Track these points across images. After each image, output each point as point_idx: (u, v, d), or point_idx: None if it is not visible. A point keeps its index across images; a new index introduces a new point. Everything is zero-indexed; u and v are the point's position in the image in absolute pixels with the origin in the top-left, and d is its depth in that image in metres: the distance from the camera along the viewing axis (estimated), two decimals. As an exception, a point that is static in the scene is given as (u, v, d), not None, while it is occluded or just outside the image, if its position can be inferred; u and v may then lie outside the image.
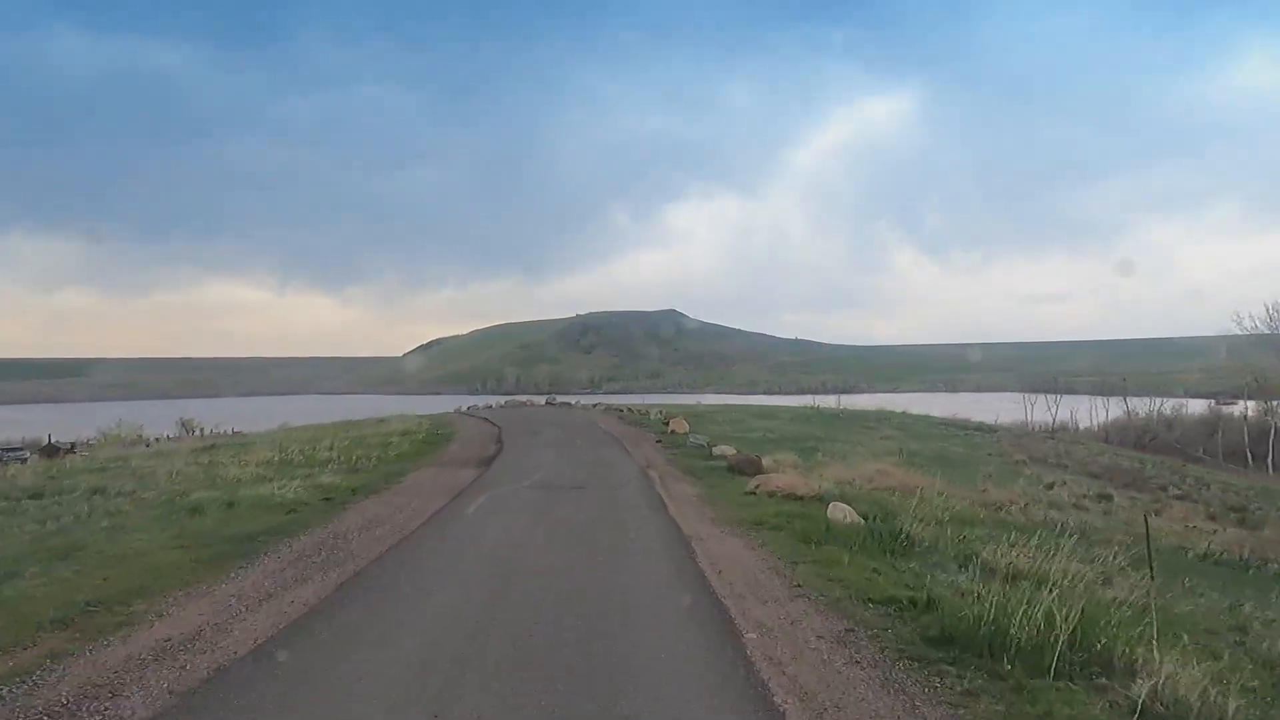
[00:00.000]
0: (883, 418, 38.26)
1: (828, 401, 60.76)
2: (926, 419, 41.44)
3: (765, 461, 20.75)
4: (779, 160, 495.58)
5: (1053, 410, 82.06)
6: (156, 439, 52.72)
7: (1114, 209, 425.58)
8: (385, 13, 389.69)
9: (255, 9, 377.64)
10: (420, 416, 45.61)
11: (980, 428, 41.32)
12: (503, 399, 65.46)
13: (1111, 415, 79.60)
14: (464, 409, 61.34)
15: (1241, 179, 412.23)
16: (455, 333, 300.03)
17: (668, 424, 31.11)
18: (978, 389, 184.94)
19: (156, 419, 60.71)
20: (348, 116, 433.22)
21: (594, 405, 45.68)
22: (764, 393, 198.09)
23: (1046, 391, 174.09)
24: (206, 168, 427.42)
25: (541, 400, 53.59)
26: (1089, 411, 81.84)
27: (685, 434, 28.27)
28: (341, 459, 23.88)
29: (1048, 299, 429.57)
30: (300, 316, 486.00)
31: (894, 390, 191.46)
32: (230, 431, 57.51)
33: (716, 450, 22.90)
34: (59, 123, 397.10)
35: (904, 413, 44.11)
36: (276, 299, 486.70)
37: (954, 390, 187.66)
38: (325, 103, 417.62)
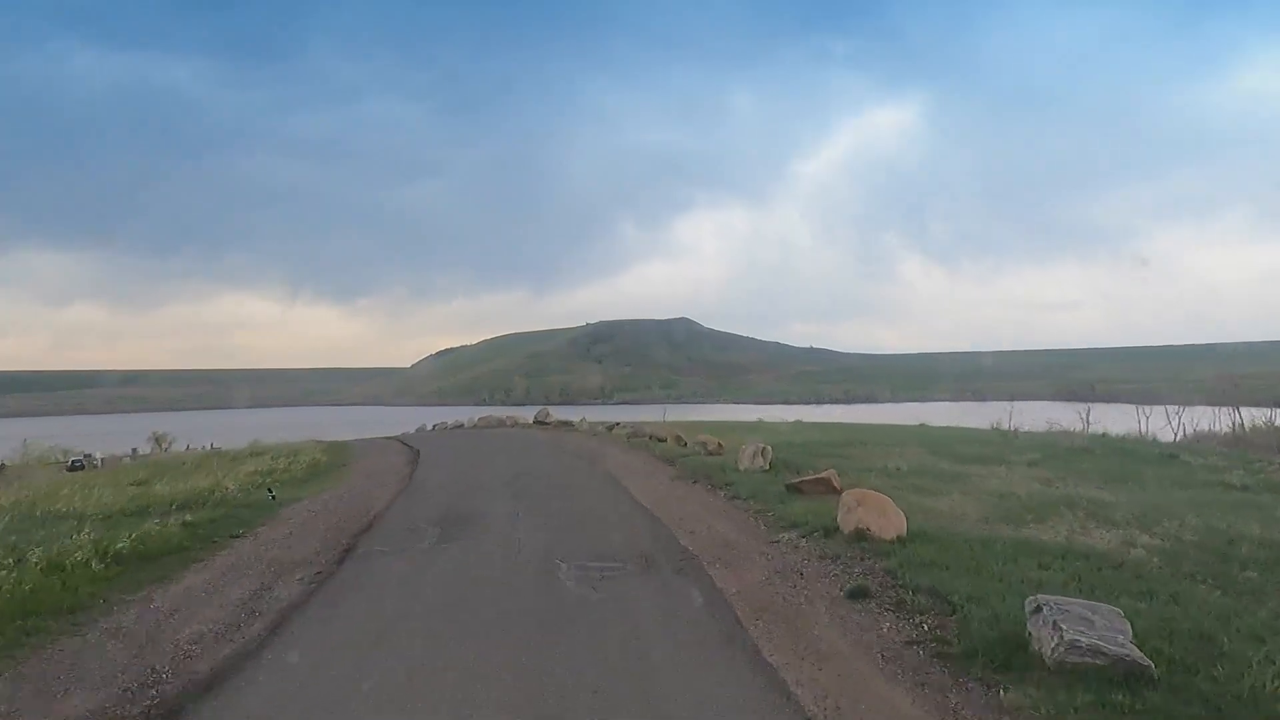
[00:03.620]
0: (1171, 454, 18.54)
1: (918, 414, 41.32)
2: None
3: None
4: (786, 170, 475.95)
5: (1173, 423, 62.91)
6: (102, 458, 44.27)
7: (1123, 216, 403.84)
8: (393, 27, 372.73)
9: (265, 24, 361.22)
10: (327, 447, 26.04)
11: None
12: (478, 413, 45.08)
13: (1205, 425, 61.67)
14: (429, 428, 41.75)
15: (1250, 186, 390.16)
16: (465, 343, 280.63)
17: (798, 488, 11.07)
18: (1010, 397, 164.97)
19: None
20: (356, 130, 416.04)
21: (609, 427, 25.41)
22: (782, 402, 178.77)
23: (1083, 400, 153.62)
24: (217, 182, 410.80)
25: (531, 415, 33.39)
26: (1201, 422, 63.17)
27: (896, 545, 8.08)
28: None
29: (1058, 306, 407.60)
30: (310, 328, 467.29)
31: (921, 399, 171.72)
32: (210, 447, 51.82)
33: None
34: (71, 138, 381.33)
35: (1144, 438, 24.82)
36: (286, 311, 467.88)
37: (983, 399, 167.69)
38: (334, 116, 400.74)
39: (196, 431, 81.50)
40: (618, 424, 25.44)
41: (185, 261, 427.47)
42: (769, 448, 14.57)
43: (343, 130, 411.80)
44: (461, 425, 38.10)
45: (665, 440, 20.19)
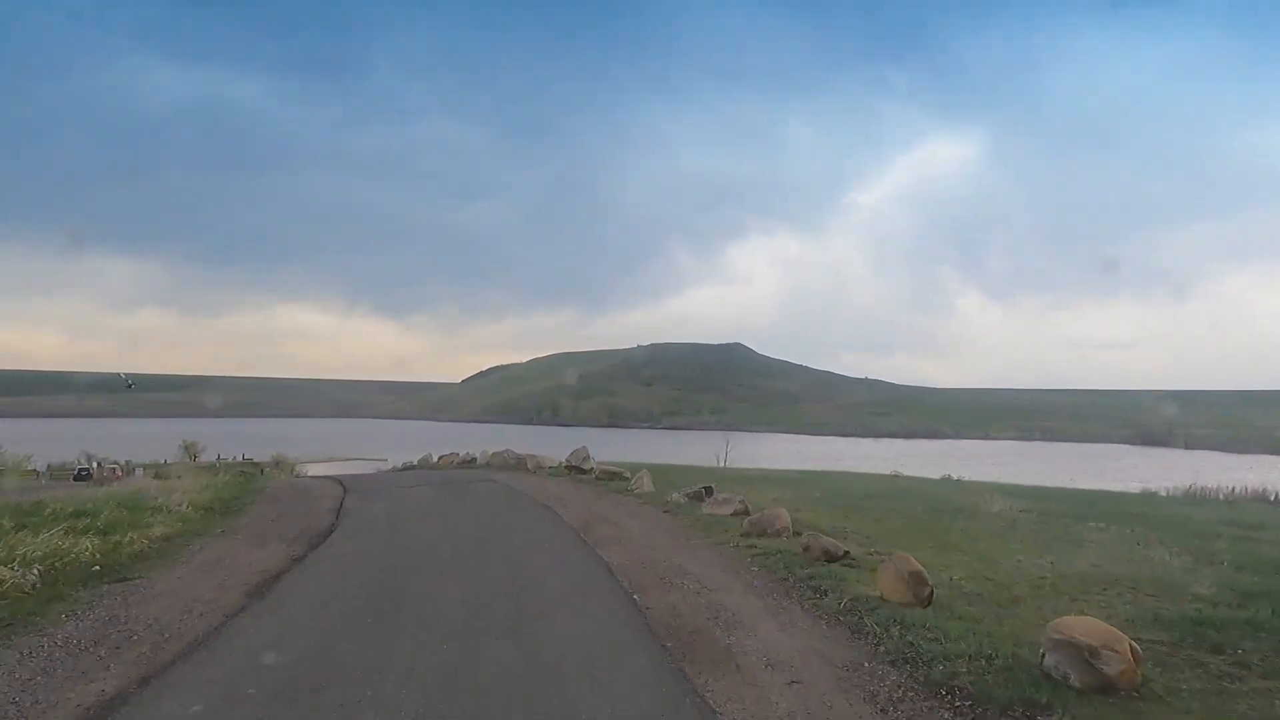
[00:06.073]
0: None
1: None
2: None
3: None
4: (841, 200, 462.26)
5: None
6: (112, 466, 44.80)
7: (1185, 257, 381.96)
8: (456, 50, 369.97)
9: (332, 44, 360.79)
10: (220, 500, 14.41)
11: None
12: (510, 435, 33.21)
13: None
14: (434, 458, 30.67)
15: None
16: (515, 361, 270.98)
17: None
18: (1080, 439, 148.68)
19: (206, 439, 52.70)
20: (417, 149, 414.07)
21: (695, 494, 13.07)
22: (836, 434, 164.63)
23: (1162, 445, 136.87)
24: (279, 196, 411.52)
25: (565, 452, 21.50)
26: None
27: None
28: None
29: (1116, 345, 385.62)
30: (364, 341, 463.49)
31: (986, 437, 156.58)
32: (240, 458, 52.87)
33: None
34: (143, 149, 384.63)
35: None
36: (342, 324, 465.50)
37: (1051, 439, 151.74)
38: (395, 135, 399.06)
39: (240, 439, 71.89)
40: (709, 493, 13.27)
41: (245, 272, 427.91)
42: None
43: (403, 149, 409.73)
44: (473, 460, 26.53)
45: (849, 559, 8.11)
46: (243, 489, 17.13)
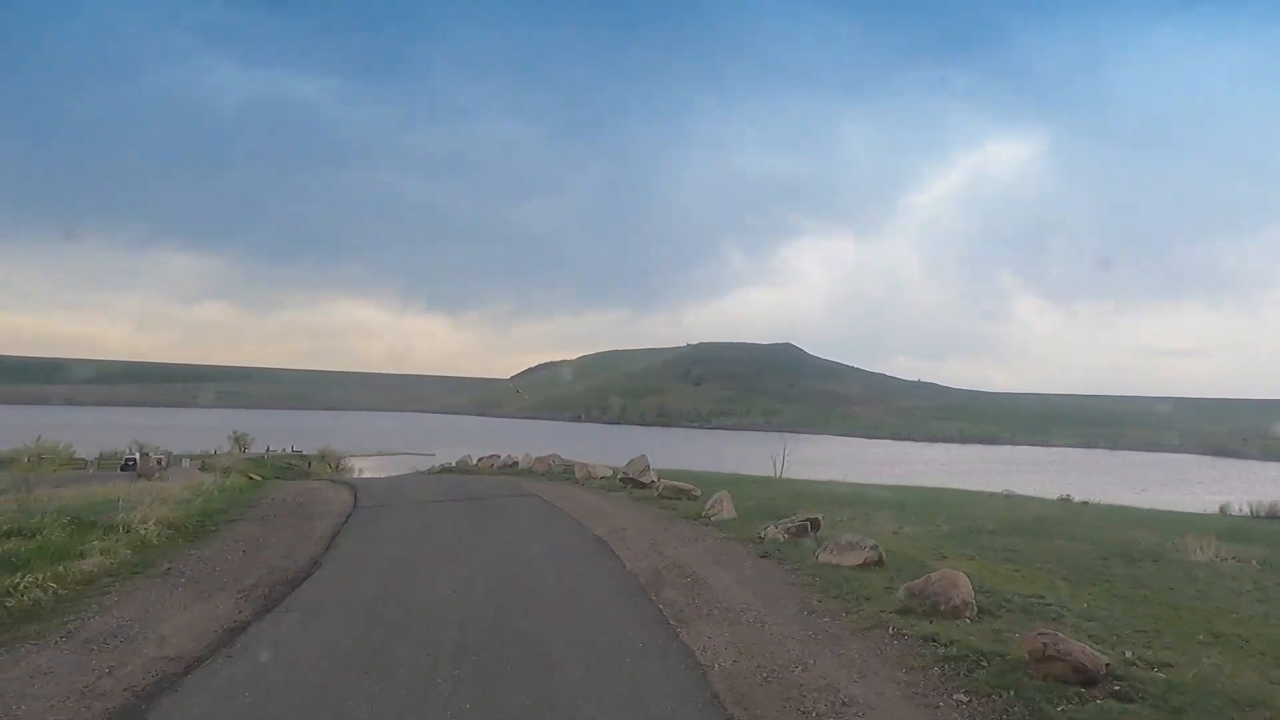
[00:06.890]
0: None
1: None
2: None
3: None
4: (898, 202, 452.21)
5: None
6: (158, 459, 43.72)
7: (1256, 263, 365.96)
8: (514, 50, 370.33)
9: (392, 45, 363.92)
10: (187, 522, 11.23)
11: None
12: (559, 434, 30.17)
13: None
14: (474, 460, 27.99)
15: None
16: (564, 358, 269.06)
17: None
18: (1145, 447, 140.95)
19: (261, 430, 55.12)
20: (473, 149, 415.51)
21: (791, 529, 9.56)
22: (890, 437, 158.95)
23: (1231, 455, 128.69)
24: (337, 193, 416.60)
25: (615, 461, 18.39)
26: None
27: None
28: None
29: (1182, 353, 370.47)
30: (418, 337, 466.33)
31: (1045, 444, 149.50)
32: (290, 449, 54.73)
33: None
34: (208, 147, 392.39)
35: None
36: (397, 319, 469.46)
37: (1114, 447, 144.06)
38: (453, 134, 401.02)
39: (294, 432, 70.10)
40: (814, 527, 9.78)
41: (304, 267, 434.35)
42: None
43: (461, 148, 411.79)
44: (515, 465, 23.49)
45: (1114, 681, 4.64)
46: (236, 499, 14.19)
